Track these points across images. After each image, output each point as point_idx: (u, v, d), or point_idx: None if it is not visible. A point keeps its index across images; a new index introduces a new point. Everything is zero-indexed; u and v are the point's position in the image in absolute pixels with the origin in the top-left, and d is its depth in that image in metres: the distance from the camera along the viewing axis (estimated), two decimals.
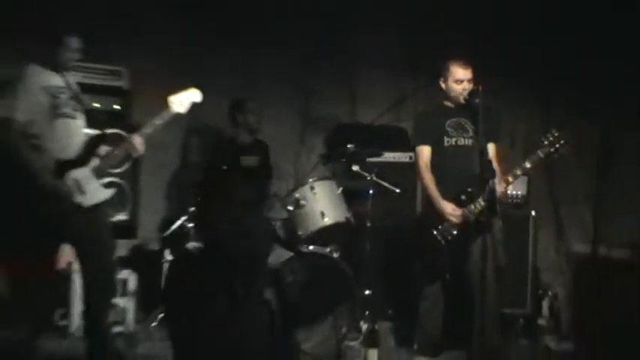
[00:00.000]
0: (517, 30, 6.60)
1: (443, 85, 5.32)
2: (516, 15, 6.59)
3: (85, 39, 4.73)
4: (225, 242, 5.62)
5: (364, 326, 5.77)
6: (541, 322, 6.21)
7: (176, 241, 5.96)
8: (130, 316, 5.81)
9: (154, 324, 5.79)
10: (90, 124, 4.92)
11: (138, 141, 4.75)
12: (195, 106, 4.99)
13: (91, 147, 4.71)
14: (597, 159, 6.48)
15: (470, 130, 5.25)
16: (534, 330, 6.11)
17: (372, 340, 5.27)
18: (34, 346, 4.75)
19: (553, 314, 6.28)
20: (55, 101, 4.59)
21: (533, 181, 6.16)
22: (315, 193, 5.67)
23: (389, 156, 6.40)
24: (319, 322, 5.47)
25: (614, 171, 6.46)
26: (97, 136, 4.82)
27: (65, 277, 5.30)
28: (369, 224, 5.78)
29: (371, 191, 5.81)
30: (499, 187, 4.91)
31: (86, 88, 4.93)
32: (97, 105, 5.84)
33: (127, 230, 5.89)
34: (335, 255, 5.54)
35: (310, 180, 5.78)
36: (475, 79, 5.17)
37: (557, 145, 4.91)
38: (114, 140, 4.87)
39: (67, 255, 4.87)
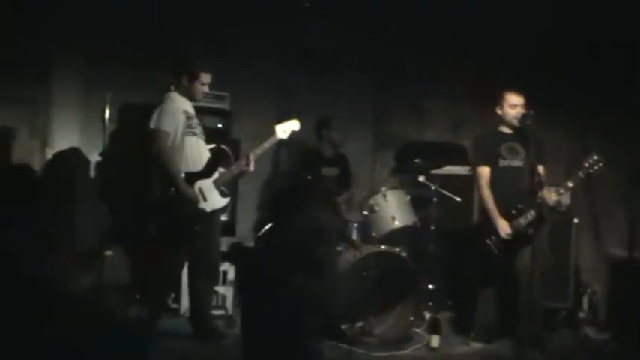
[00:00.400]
0: (559, 61, 6.50)
1: (499, 112, 5.42)
2: (556, 45, 6.49)
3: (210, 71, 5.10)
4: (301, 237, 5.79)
5: (427, 315, 5.93)
6: (581, 314, 6.20)
7: (268, 239, 6.03)
8: (229, 301, 5.91)
9: None
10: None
11: (251, 159, 5.08)
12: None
13: (214, 163, 5.07)
14: (631, 172, 6.35)
15: (521, 154, 5.34)
16: (575, 321, 6.10)
17: (434, 327, 5.33)
18: (154, 324, 4.97)
19: (592, 308, 6.25)
20: (188, 122, 4.97)
21: (576, 193, 5.99)
22: (387, 200, 5.85)
23: (450, 169, 6.41)
24: (389, 311, 5.54)
25: None
26: (219, 154, 5.20)
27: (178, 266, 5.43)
28: (432, 228, 5.94)
29: (434, 199, 5.94)
30: (547, 202, 5.03)
31: (196, 109, 5.19)
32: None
33: (228, 229, 5.99)
34: (403, 254, 5.55)
35: (383, 189, 5.94)
36: (526, 106, 5.36)
37: (595, 167, 4.98)
38: (227, 158, 5.26)
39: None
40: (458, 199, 6.06)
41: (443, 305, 6.15)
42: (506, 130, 5.45)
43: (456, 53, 6.82)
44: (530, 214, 5.08)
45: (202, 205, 4.89)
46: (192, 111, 5.06)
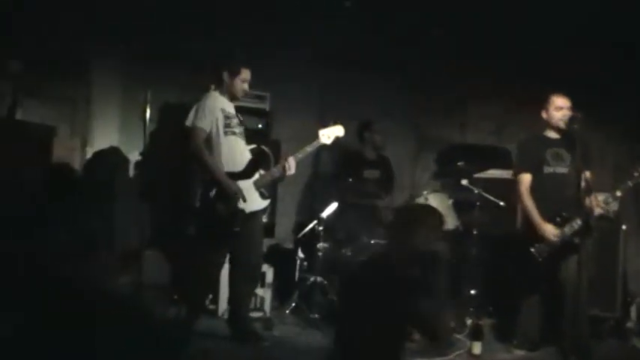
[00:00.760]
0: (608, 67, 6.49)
1: (544, 115, 5.32)
2: (604, 45, 6.46)
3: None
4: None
5: (469, 321, 5.82)
6: (629, 324, 6.08)
7: (307, 241, 6.16)
8: (267, 303, 5.92)
9: (287, 311, 5.89)
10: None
11: (292, 163, 5.05)
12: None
13: (255, 164, 5.04)
14: None
15: (566, 160, 5.24)
16: (623, 332, 5.99)
17: (476, 333, 5.27)
18: (191, 326, 4.96)
19: None
20: (227, 121, 4.95)
21: (624, 200, 5.56)
22: (428, 204, 5.73)
23: (493, 173, 6.36)
24: None
25: None
26: (261, 155, 5.18)
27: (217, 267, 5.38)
28: (475, 232, 5.97)
29: (477, 203, 5.95)
30: (594, 211, 5.02)
31: (236, 109, 5.17)
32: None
33: (267, 231, 5.93)
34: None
35: (425, 192, 5.97)
36: (573, 108, 5.26)
37: None
38: (268, 159, 5.25)
39: None
40: (501, 204, 6.00)
41: (485, 311, 6.08)
42: (551, 134, 5.35)
43: (500, 53, 6.80)
44: (576, 223, 4.98)
45: (242, 205, 4.86)
46: (231, 110, 5.04)
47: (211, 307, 5.78)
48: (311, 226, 6.11)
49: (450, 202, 5.99)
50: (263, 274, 5.87)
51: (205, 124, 4.82)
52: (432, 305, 3.42)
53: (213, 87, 5.10)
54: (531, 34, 6.60)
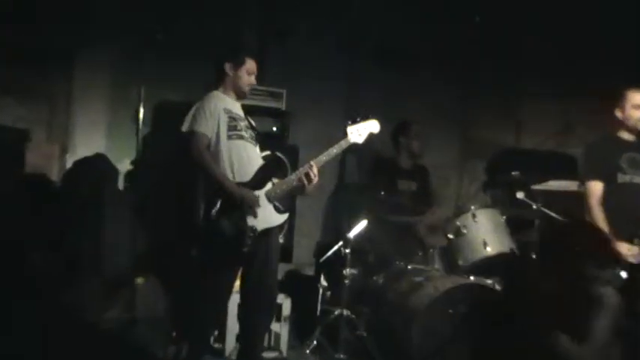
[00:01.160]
0: None
1: (619, 114, 5.31)
2: None
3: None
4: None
5: None
6: None
7: (332, 267, 6.15)
8: (284, 341, 5.86)
9: (307, 350, 5.83)
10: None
11: (315, 169, 4.94)
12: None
13: (266, 171, 4.97)
14: None
15: None
16: None
17: None
18: None
19: None
20: (232, 123, 4.91)
21: None
22: (476, 221, 5.86)
23: (556, 184, 6.31)
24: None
25: None
26: (273, 161, 5.17)
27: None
28: (534, 256, 5.69)
29: (536, 221, 5.84)
30: None
31: (246, 110, 5.16)
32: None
33: (283, 254, 5.79)
34: (497, 287, 5.53)
35: (472, 207, 5.96)
36: None
37: None
38: (282, 167, 5.23)
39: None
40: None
41: None
42: (627, 136, 5.33)
43: (565, 38, 6.85)
44: None
45: (252, 222, 4.79)
46: (238, 111, 5.03)
47: (217, 345, 5.76)
48: (335, 248, 6.08)
49: (503, 219, 5.94)
50: (279, 306, 5.83)
51: (206, 127, 4.82)
52: None
53: (215, 88, 5.10)
54: (605, 17, 6.68)
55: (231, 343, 5.66)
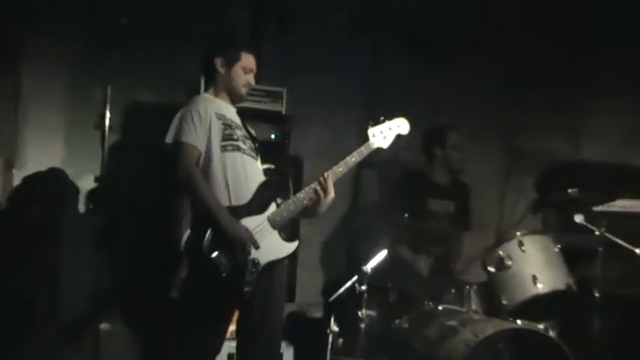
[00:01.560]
0: None
1: None
2: None
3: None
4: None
5: None
6: None
7: (344, 307, 6.07)
8: None
9: None
10: None
11: (330, 183, 4.92)
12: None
13: (268, 189, 4.96)
14: None
15: None
16: None
17: None
18: None
19: None
20: (226, 131, 4.91)
21: None
22: (524, 251, 5.80)
23: (623, 204, 6.35)
24: None
25: None
26: (277, 177, 5.09)
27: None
28: (597, 294, 5.74)
29: (599, 250, 5.78)
30: None
31: (239, 114, 5.18)
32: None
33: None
34: (551, 333, 5.53)
35: (518, 233, 5.88)
36: None
37: None
38: (287, 183, 5.16)
39: None
40: (638, 251, 5.79)
41: None
42: None
43: (629, 29, 6.89)
44: None
45: (253, 253, 4.76)
46: (233, 117, 5.04)
47: None
48: (349, 284, 5.98)
49: (557, 248, 5.90)
50: (279, 356, 5.86)
51: (196, 138, 4.80)
52: None
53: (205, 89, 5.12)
54: None
55: None
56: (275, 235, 4.88)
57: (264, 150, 5.65)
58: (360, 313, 5.82)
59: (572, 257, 5.97)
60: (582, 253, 5.97)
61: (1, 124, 6.25)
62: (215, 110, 4.91)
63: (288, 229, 5.03)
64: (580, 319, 5.93)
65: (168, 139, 4.82)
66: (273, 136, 6.44)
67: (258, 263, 4.78)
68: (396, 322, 6.02)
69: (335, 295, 6.11)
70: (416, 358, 5.71)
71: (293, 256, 5.78)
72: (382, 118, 5.16)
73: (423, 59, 7.02)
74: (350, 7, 6.90)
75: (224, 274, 4.68)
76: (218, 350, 5.03)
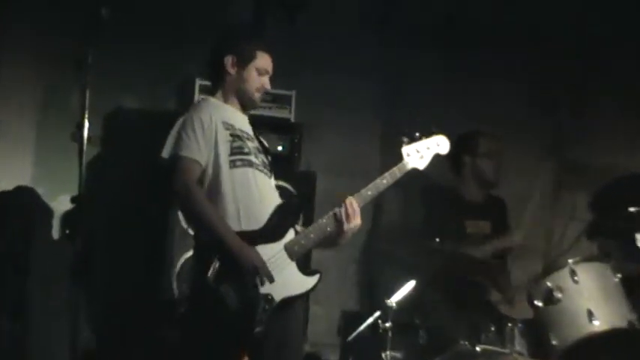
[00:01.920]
0: None
1: None
2: None
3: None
4: None
5: None
6: None
7: (365, 349, 6.12)
8: None
9: None
10: None
11: (356, 208, 4.92)
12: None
13: (286, 214, 4.95)
14: None
15: None
16: None
17: None
18: None
19: None
20: (235, 143, 4.90)
21: None
22: (577, 282, 5.75)
23: None
24: None
25: None
26: (295, 199, 5.23)
27: None
28: None
29: None
30: None
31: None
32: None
33: None
34: None
35: (570, 261, 5.84)
36: None
37: None
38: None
39: None
40: None
41: None
42: None
43: None
44: None
45: (266, 289, 4.74)
46: (244, 126, 5.04)
47: None
48: (370, 321, 6.03)
49: (617, 278, 5.85)
50: None
51: (198, 151, 4.78)
52: None
53: (202, 98, 5.18)
54: None
55: None
56: (292, 268, 4.88)
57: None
58: (383, 356, 5.85)
59: (635, 289, 5.94)
60: None
61: None
62: (222, 118, 4.90)
63: (302, 259, 5.04)
64: None
65: (165, 153, 4.82)
66: (280, 148, 6.49)
67: (272, 299, 4.75)
68: None
69: (354, 334, 6.15)
70: None
71: None
72: (418, 134, 5.17)
73: (453, 57, 7.06)
74: None
75: (231, 310, 4.65)
76: None
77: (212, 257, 4.68)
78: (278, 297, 4.77)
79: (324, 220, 4.94)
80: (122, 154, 6.33)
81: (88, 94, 5.57)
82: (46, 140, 6.42)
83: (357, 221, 4.91)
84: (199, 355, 4.81)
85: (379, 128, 6.69)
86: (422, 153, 5.16)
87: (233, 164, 4.84)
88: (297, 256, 4.88)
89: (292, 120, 6.54)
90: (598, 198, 7.22)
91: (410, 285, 5.94)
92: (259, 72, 5.00)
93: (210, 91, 5.08)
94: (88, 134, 5.59)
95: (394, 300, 5.88)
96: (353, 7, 6.99)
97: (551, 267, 6.04)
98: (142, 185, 5.77)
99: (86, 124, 5.55)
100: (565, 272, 5.80)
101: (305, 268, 4.93)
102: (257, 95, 5.05)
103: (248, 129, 5.03)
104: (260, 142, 5.07)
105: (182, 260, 5.86)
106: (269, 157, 5.10)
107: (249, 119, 5.18)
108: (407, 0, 7.06)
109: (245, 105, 5.05)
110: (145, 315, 5.86)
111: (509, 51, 7.13)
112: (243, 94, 5.01)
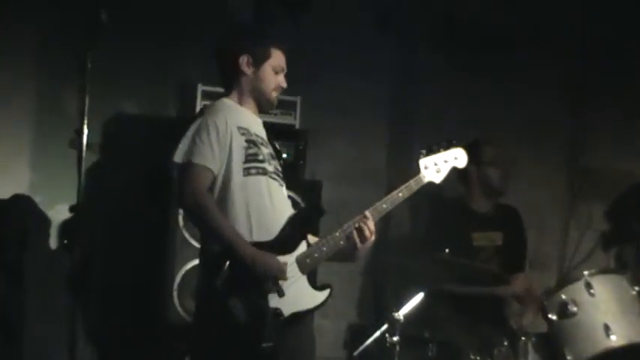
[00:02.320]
0: None
1: None
2: None
3: None
4: None
5: None
6: None
7: None
8: None
9: None
10: None
11: (370, 223, 4.88)
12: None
13: (298, 226, 4.89)
14: None
15: None
16: None
17: None
18: None
19: None
20: (251, 150, 4.84)
21: None
22: (593, 295, 5.68)
23: None
24: None
25: None
26: (308, 210, 5.15)
27: None
28: None
29: None
30: None
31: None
32: None
33: None
34: None
35: (586, 273, 5.77)
36: None
37: None
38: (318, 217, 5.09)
39: None
40: None
41: None
42: None
43: None
44: None
45: (276, 302, 4.69)
46: (258, 130, 4.99)
47: None
48: (377, 334, 5.87)
49: (635, 291, 5.76)
50: None
51: (212, 158, 4.71)
52: None
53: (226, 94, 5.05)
54: None
55: None
56: (303, 281, 4.83)
57: None
58: None
59: None
60: None
61: None
62: (237, 123, 4.85)
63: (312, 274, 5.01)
64: None
65: (178, 157, 4.74)
66: (284, 156, 6.27)
67: (281, 314, 4.70)
68: None
69: (361, 349, 6.05)
70: None
71: None
72: (436, 146, 5.15)
73: (466, 60, 7.05)
74: None
75: (238, 323, 4.59)
76: None
77: (220, 268, 4.63)
78: (287, 312, 4.72)
79: (338, 234, 4.89)
80: (122, 160, 6.32)
81: (87, 100, 5.54)
82: (44, 147, 6.39)
83: (370, 237, 4.89)
84: None
85: (386, 134, 6.72)
86: (439, 166, 5.14)
87: (247, 172, 4.80)
88: (308, 270, 4.84)
89: (297, 126, 6.55)
90: (615, 207, 7.19)
91: (418, 297, 5.85)
92: (275, 70, 4.97)
93: (225, 91, 5.01)
94: (87, 141, 5.57)
95: (402, 313, 5.76)
96: (362, 6, 6.99)
97: (566, 279, 6.08)
98: (142, 193, 5.71)
99: (85, 130, 5.52)
100: (580, 285, 5.74)
101: (312, 281, 4.89)
102: (274, 95, 5.00)
103: (262, 133, 4.99)
104: (273, 147, 5.03)
105: (183, 271, 5.84)
106: (282, 163, 5.06)
107: None
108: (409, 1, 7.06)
109: (262, 105, 5.02)
110: (144, 326, 5.83)
111: (523, 56, 7.14)
112: (259, 94, 4.97)
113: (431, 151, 5.13)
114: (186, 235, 5.92)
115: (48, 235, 6.25)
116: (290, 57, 5.62)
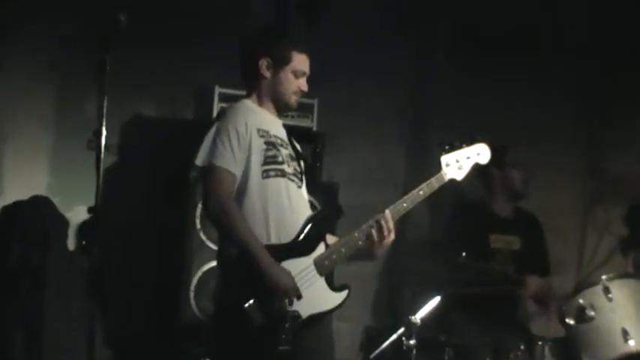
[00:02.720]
0: None
1: None
2: None
3: None
4: None
5: None
6: None
7: None
8: None
9: None
10: None
11: (390, 222, 4.89)
12: None
13: (317, 227, 4.90)
14: None
15: None
16: None
17: None
18: None
19: None
20: (270, 152, 4.85)
21: None
22: (611, 299, 5.76)
23: None
24: None
25: None
26: (326, 212, 5.17)
27: None
28: None
29: None
30: None
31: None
32: None
33: None
34: None
35: (604, 277, 5.84)
36: None
37: None
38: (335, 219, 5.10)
39: None
40: None
41: None
42: None
43: None
44: None
45: (294, 305, 4.71)
46: (277, 131, 5.00)
47: None
48: (393, 337, 5.79)
49: None
50: None
51: (233, 161, 4.74)
52: None
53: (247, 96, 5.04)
54: None
55: None
56: (321, 283, 4.86)
57: None
58: None
59: None
60: None
61: None
62: (257, 125, 4.85)
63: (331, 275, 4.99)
64: None
65: (199, 160, 4.76)
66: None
67: (299, 316, 4.72)
68: None
69: (377, 352, 5.98)
70: None
71: None
72: (458, 143, 5.14)
73: (484, 61, 7.05)
74: None
75: (256, 326, 4.61)
76: None
77: (239, 272, 4.66)
78: (305, 314, 4.74)
79: (357, 234, 4.89)
80: (140, 162, 6.34)
81: (105, 102, 5.57)
82: (63, 149, 6.40)
83: (389, 237, 4.89)
84: None
85: (404, 136, 6.75)
86: (461, 163, 5.14)
87: (266, 174, 4.81)
88: (326, 272, 4.86)
89: (314, 129, 6.57)
90: (634, 211, 7.18)
91: (435, 301, 5.81)
92: (296, 74, 4.96)
93: (247, 93, 5.02)
94: (105, 143, 5.60)
95: (419, 316, 5.70)
96: (379, 8, 7.00)
97: (584, 284, 6.07)
98: (160, 195, 5.72)
99: (103, 132, 5.53)
100: (598, 289, 5.80)
101: (330, 282, 4.90)
102: (294, 98, 5.00)
103: (282, 134, 4.99)
104: (294, 148, 5.05)
105: (200, 273, 5.86)
106: (301, 164, 5.07)
107: None
108: (438, 1, 7.09)
109: (281, 108, 5.03)
110: (162, 327, 5.89)
111: (541, 58, 7.14)
112: (279, 97, 4.98)
113: (453, 148, 5.13)
114: (203, 237, 5.94)
115: (66, 237, 6.24)
116: (316, 64, 5.68)
